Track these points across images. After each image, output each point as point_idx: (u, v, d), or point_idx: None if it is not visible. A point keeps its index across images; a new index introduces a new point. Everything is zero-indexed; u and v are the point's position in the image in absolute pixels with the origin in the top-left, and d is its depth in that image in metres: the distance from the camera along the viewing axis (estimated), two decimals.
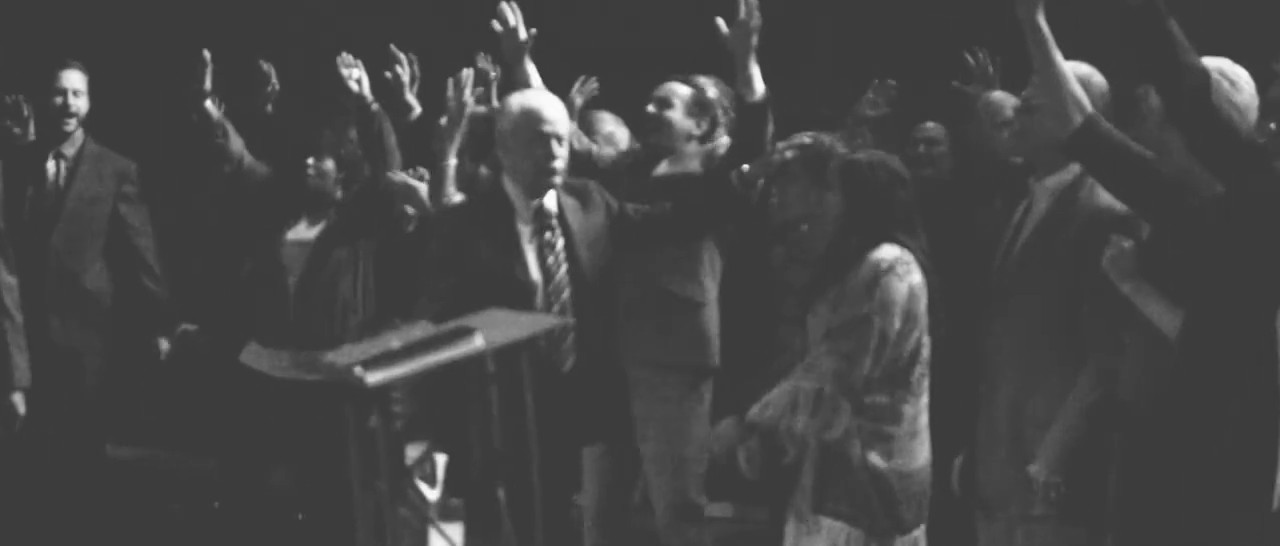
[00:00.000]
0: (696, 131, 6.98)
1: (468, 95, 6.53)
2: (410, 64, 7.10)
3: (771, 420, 5.32)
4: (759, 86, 6.07)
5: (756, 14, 6.02)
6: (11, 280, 6.70)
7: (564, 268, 5.90)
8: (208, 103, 7.64)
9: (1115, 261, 5.15)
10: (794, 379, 5.35)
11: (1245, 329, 4.78)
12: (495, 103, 7.19)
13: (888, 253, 5.39)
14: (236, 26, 9.25)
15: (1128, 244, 5.15)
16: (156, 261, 8.10)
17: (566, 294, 5.89)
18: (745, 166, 5.86)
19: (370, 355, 4.66)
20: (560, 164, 5.93)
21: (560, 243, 5.93)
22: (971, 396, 5.57)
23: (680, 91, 7.00)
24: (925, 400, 5.52)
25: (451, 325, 4.77)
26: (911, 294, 5.35)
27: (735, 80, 6.11)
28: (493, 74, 7.47)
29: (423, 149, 6.93)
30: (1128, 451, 5.08)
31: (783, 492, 5.62)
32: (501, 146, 6.01)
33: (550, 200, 5.97)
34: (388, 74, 7.04)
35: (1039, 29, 5.03)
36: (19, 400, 6.78)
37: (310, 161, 7.54)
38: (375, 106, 6.89)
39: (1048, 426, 5.28)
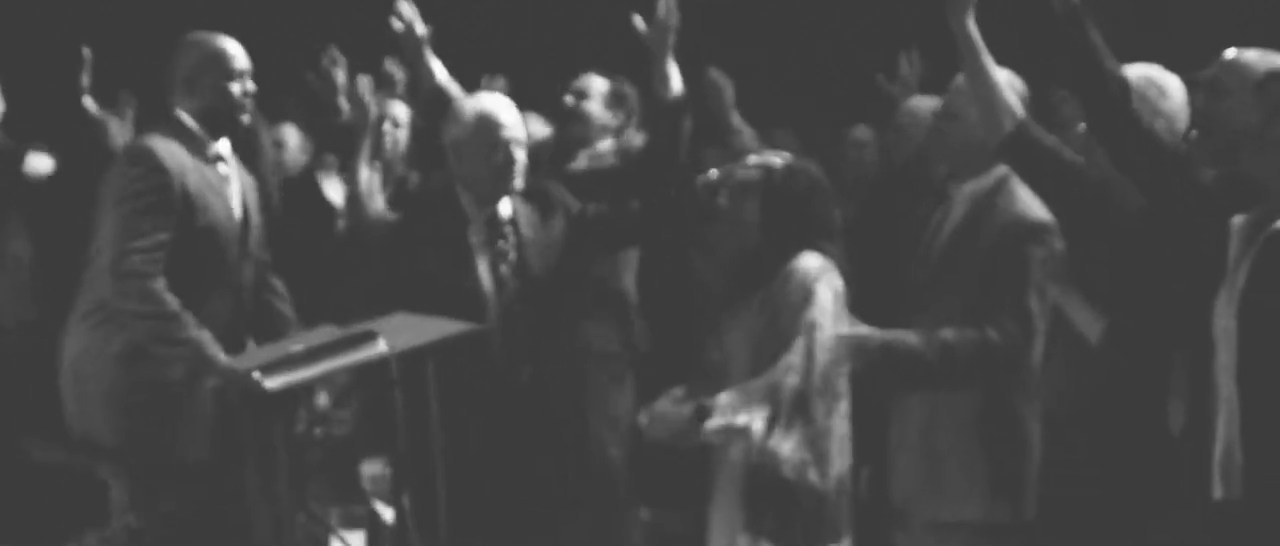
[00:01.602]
0: (613, 124, 6.92)
1: (370, 101, 6.46)
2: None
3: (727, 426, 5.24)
4: (676, 84, 6.02)
5: (675, 12, 5.96)
6: None
7: (517, 277, 5.74)
8: (87, 99, 7.53)
9: (1046, 266, 5.12)
10: (751, 391, 5.26)
11: (1169, 337, 4.75)
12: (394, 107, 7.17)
13: (813, 262, 5.32)
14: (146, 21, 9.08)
15: (1058, 247, 5.12)
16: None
17: (519, 304, 5.73)
18: (712, 173, 5.69)
19: (270, 359, 4.56)
20: (518, 170, 5.75)
21: (514, 251, 5.76)
22: (882, 403, 5.51)
23: (598, 84, 6.96)
24: (846, 406, 5.44)
25: (355, 329, 4.68)
26: (836, 302, 5.28)
27: (652, 78, 6.04)
28: (398, 76, 7.45)
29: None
30: (1051, 459, 5.06)
31: (704, 502, 5.53)
32: (455, 154, 5.81)
33: (505, 207, 5.80)
34: (315, 74, 6.95)
35: (969, 35, 4.96)
36: None
37: None
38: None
39: (962, 429, 5.24)
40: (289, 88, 7.64)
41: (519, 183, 5.74)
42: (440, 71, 6.44)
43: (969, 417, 5.26)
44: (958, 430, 5.27)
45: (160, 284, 5.39)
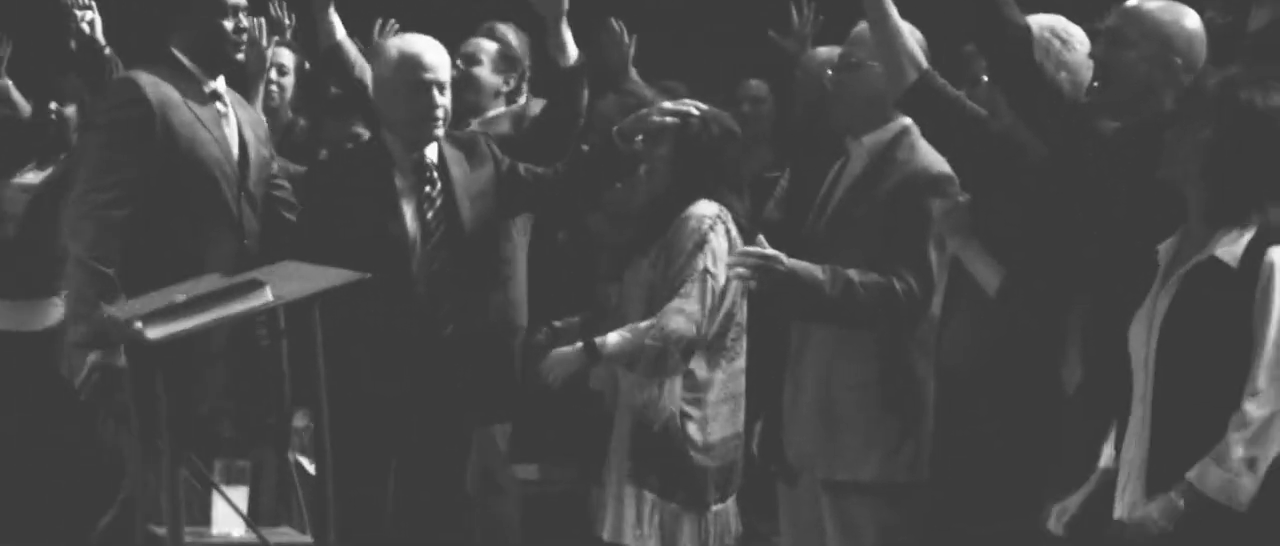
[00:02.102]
0: (505, 88, 6.86)
1: (265, 46, 6.40)
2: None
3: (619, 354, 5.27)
4: (572, 50, 5.95)
5: None
6: None
7: (444, 224, 5.57)
8: None
9: (949, 217, 5.08)
10: (641, 331, 5.27)
11: (1067, 294, 4.75)
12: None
13: (708, 208, 5.34)
14: None
15: (962, 199, 5.09)
16: None
17: (446, 251, 5.56)
18: (624, 124, 5.59)
19: (152, 309, 4.42)
20: (442, 114, 5.57)
21: (441, 198, 5.59)
22: (776, 360, 5.44)
23: (486, 47, 6.88)
24: (741, 364, 5.47)
25: (241, 278, 4.55)
26: (731, 251, 5.28)
27: (547, 45, 5.96)
28: (288, 22, 7.35)
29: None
30: (950, 417, 5.02)
31: (591, 456, 5.54)
32: (379, 95, 5.68)
33: (431, 152, 5.62)
34: None
35: None
36: None
37: (53, 106, 7.32)
38: (107, 51, 6.46)
39: (860, 388, 5.19)
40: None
41: (442, 128, 5.58)
42: (339, 28, 6.38)
43: (866, 376, 5.21)
44: (854, 388, 5.21)
45: (115, 230, 5.27)
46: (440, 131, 5.58)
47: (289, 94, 7.24)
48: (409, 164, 5.57)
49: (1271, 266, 4.04)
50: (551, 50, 5.93)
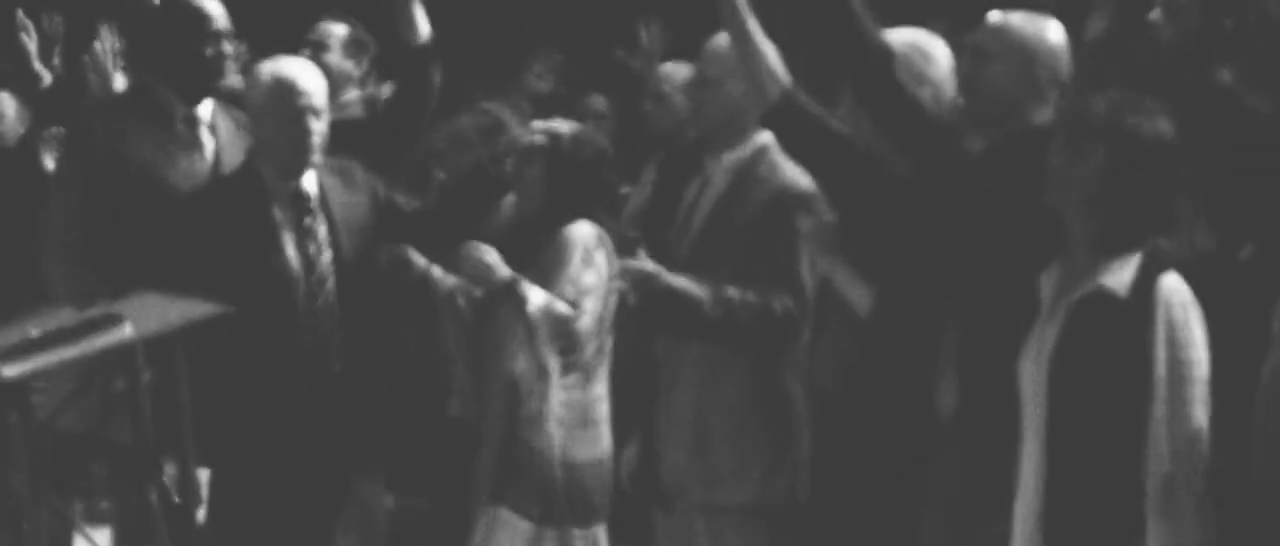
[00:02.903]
0: (355, 73, 6.76)
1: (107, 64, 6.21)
2: (53, 26, 6.75)
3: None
4: (423, 28, 5.75)
5: None
6: None
7: (326, 255, 5.36)
8: None
9: (815, 235, 5.05)
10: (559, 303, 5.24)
11: (937, 311, 4.67)
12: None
13: (586, 230, 5.32)
14: None
15: (829, 218, 5.04)
16: None
17: (330, 284, 5.35)
18: (495, 146, 5.53)
19: (7, 345, 4.27)
20: (318, 141, 5.34)
21: (322, 229, 5.37)
22: (645, 384, 5.38)
23: (335, 31, 6.78)
24: (603, 388, 5.42)
25: (98, 311, 4.40)
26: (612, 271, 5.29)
27: (397, 22, 5.76)
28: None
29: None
30: (823, 438, 4.98)
31: (451, 484, 5.51)
32: (253, 120, 5.44)
33: (309, 181, 5.40)
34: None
35: None
36: None
37: None
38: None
39: (734, 410, 5.14)
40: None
41: (318, 155, 5.36)
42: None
43: (740, 398, 5.17)
44: (729, 411, 5.17)
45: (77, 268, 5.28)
46: (316, 159, 5.37)
47: None
48: (286, 194, 5.37)
49: (1167, 302, 3.97)
50: (401, 28, 5.74)
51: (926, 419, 4.67)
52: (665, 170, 6.60)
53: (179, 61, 5.47)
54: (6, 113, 7.44)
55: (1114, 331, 3.99)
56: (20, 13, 6.80)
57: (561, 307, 5.21)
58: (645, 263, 5.08)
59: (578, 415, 5.31)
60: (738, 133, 5.26)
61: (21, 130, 7.46)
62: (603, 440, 5.38)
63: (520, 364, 5.27)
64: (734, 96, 5.17)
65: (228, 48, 5.51)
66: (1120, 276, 4.02)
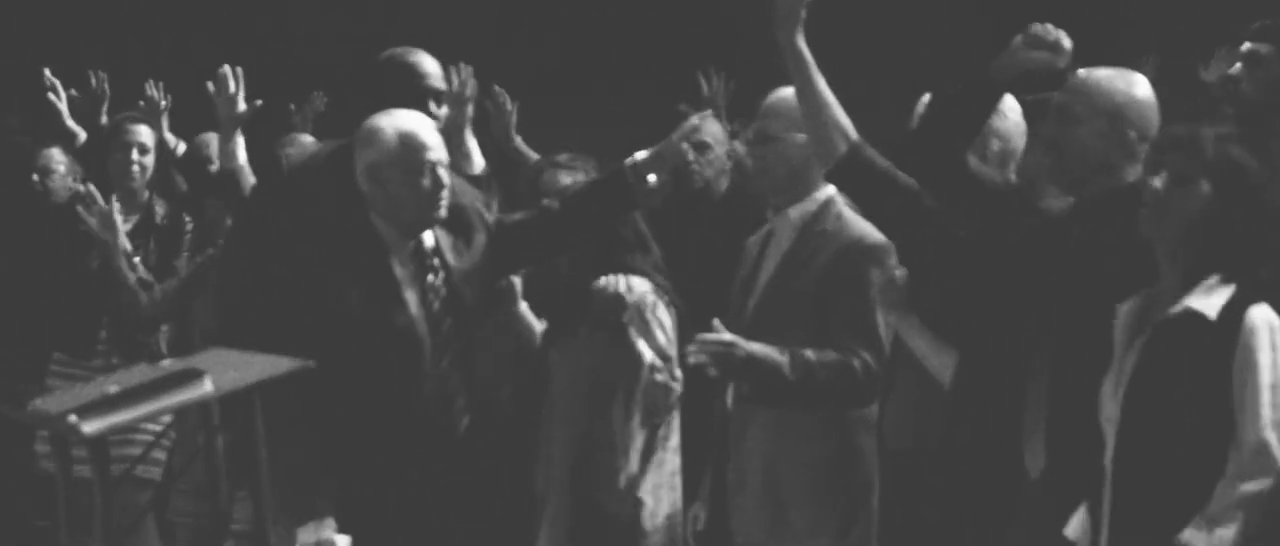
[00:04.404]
0: None
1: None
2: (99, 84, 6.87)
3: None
4: (478, 160, 6.04)
5: (472, 83, 6.10)
6: None
7: (449, 314, 5.17)
8: None
9: (884, 292, 5.00)
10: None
11: (1023, 371, 4.58)
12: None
13: (642, 285, 5.33)
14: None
15: (899, 273, 4.99)
16: None
17: (455, 342, 5.17)
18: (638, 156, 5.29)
19: (86, 401, 4.29)
20: (447, 195, 5.14)
21: (443, 286, 5.19)
22: (714, 438, 5.34)
23: None
24: (676, 442, 5.42)
25: (176, 366, 4.41)
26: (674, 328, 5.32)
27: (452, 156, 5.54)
28: (164, 103, 7.41)
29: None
30: (889, 493, 4.98)
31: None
32: (373, 178, 5.13)
33: (428, 237, 5.21)
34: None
35: (799, 53, 4.81)
36: None
37: None
38: None
39: (806, 468, 5.10)
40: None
41: (444, 212, 5.15)
42: (242, 152, 6.34)
43: (813, 453, 5.12)
44: (802, 465, 5.12)
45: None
46: (444, 214, 5.16)
47: (149, 173, 7.18)
48: (407, 251, 5.17)
49: (1253, 327, 3.96)
50: (456, 161, 5.78)
51: (1014, 479, 4.58)
52: (709, 226, 6.54)
53: None
54: (57, 168, 7.50)
55: (1199, 354, 3.98)
56: (47, 72, 6.94)
57: (664, 378, 5.25)
58: (722, 334, 4.98)
59: (654, 471, 5.33)
60: (802, 188, 5.21)
61: (71, 184, 7.56)
62: (672, 494, 5.37)
63: (616, 417, 5.30)
64: (798, 151, 5.13)
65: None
66: (1211, 299, 4.01)
